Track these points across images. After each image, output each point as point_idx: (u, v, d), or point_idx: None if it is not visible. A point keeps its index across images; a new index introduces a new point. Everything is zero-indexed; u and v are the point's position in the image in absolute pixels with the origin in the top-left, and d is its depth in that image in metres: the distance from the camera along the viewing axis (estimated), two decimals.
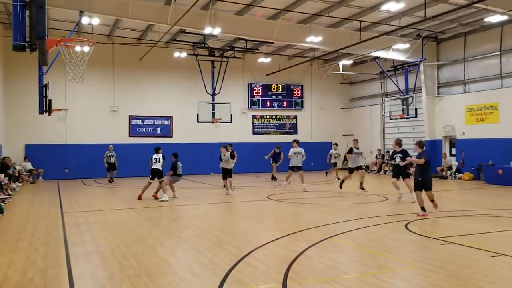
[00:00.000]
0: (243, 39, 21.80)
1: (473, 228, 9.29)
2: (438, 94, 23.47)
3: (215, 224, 10.21)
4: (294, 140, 17.06)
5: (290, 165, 16.61)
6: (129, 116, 24.99)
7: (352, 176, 16.22)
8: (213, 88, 23.41)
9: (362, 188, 15.62)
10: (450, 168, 21.78)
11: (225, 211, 12.04)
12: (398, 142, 13.32)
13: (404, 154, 13.02)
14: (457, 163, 21.71)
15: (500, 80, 20.33)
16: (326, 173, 22.40)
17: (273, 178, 21.24)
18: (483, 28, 20.63)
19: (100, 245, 7.98)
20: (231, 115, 23.41)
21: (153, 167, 14.41)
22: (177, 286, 5.64)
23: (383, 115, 26.99)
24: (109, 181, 21.08)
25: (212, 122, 23.23)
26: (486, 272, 6.17)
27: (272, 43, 22.80)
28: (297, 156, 16.48)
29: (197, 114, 22.56)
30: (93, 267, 6.54)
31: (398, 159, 13.07)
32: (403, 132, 24.43)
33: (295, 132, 28.73)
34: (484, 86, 20.99)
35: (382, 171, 25.71)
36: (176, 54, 24.05)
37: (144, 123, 25.44)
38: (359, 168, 16.22)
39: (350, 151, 15.95)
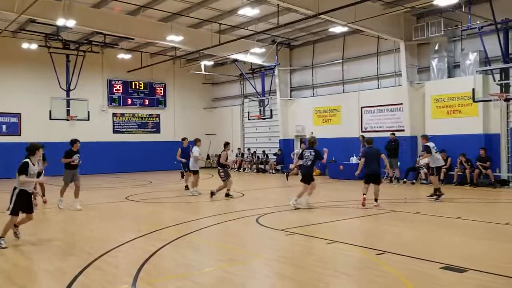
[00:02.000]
0: (101, 33, 20.93)
1: (314, 219, 10.32)
2: (290, 97, 25.34)
3: (64, 229, 9.70)
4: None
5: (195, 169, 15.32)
6: None
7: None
8: (68, 84, 22.06)
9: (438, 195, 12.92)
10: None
11: (78, 214, 11.52)
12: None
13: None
14: None
15: (342, 85, 22.73)
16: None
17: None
18: (329, 37, 22.82)
19: None
20: (89, 112, 22.36)
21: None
22: None
23: (243, 115, 28.17)
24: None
25: (67, 120, 21.89)
26: (323, 258, 6.94)
27: (133, 39, 22.30)
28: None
29: (50, 111, 21.09)
30: None
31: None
32: (260, 131, 25.84)
33: (158, 131, 28.49)
34: (329, 91, 23.25)
35: (241, 168, 26.82)
36: (25, 45, 22.08)
37: None
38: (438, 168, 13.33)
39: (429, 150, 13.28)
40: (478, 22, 15.83)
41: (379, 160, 12.04)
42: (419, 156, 18.07)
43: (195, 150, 15.25)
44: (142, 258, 6.80)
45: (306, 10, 16.15)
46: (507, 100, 15.49)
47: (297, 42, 24.34)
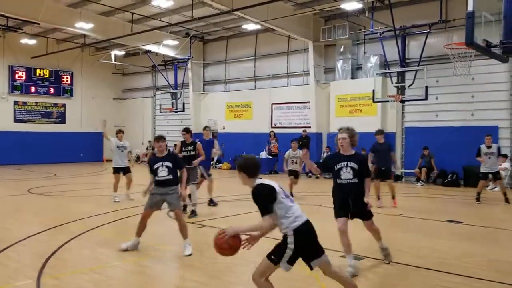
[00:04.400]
0: (3, 15, 19.49)
1: (223, 212, 10.60)
2: (203, 91, 25.46)
3: None
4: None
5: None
6: None
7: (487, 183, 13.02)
8: None
9: (507, 200, 11.96)
10: (212, 159, 23.91)
11: None
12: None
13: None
14: None
15: (254, 82, 23.31)
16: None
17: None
18: (242, 34, 23.25)
19: None
20: None
21: None
22: None
23: (154, 108, 27.75)
24: None
25: None
26: None
27: (38, 24, 20.98)
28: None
29: None
30: None
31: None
32: (172, 125, 25.66)
33: (63, 121, 27.18)
34: (242, 86, 23.74)
35: None
36: None
37: None
38: (496, 174, 12.33)
39: (478, 153, 12.23)
40: (379, 27, 17.12)
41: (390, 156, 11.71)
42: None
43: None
44: (47, 253, 6.63)
45: (220, 5, 16.38)
46: (402, 101, 16.97)
47: (211, 36, 24.47)
